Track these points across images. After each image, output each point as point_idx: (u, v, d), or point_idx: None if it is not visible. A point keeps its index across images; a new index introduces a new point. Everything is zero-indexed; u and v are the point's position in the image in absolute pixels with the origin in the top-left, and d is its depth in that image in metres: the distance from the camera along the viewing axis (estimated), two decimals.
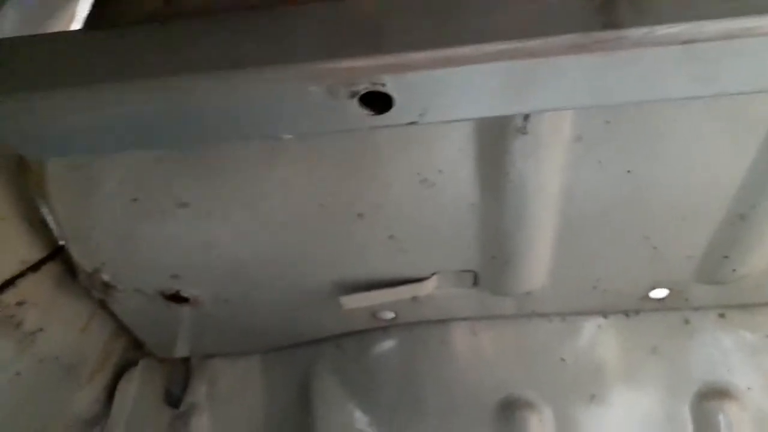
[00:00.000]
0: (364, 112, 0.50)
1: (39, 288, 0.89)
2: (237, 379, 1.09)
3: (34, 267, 0.87)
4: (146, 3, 0.55)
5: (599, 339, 0.97)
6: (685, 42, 0.44)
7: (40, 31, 0.70)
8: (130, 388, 1.09)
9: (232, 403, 1.07)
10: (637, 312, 0.97)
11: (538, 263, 0.84)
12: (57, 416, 0.99)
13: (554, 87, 0.48)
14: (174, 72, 0.49)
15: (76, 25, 0.76)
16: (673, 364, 0.95)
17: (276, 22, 0.50)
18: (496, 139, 0.64)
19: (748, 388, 0.93)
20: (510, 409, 0.94)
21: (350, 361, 1.03)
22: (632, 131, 0.65)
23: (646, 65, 0.46)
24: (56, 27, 0.73)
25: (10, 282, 0.84)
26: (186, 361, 1.12)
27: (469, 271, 0.88)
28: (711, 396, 0.93)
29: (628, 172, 0.69)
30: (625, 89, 0.48)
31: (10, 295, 0.84)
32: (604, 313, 0.97)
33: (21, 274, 0.85)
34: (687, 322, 0.96)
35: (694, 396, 0.94)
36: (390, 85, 0.47)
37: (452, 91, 0.48)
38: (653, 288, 0.91)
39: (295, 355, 1.07)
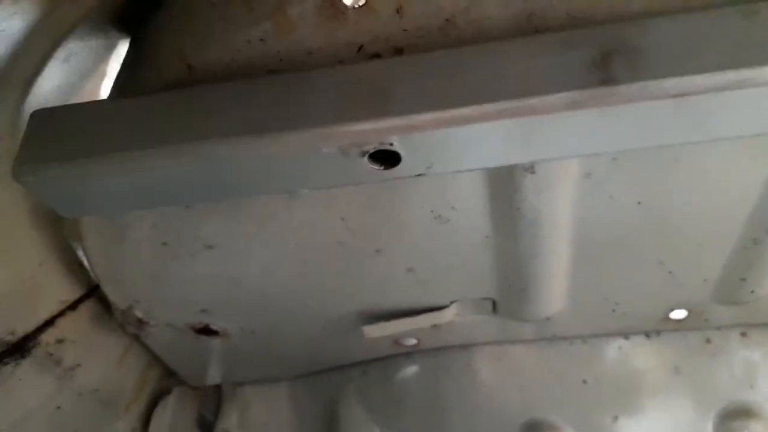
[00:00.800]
0: (375, 168, 0.53)
1: (77, 325, 0.93)
2: (267, 405, 1.12)
3: (72, 306, 0.92)
4: (169, 70, 0.59)
5: (621, 360, 0.98)
6: (676, 95, 0.46)
7: (76, 91, 0.75)
8: (165, 415, 1.13)
9: (263, 429, 1.10)
10: (658, 332, 0.97)
11: (554, 290, 0.85)
12: None
13: (554, 140, 0.50)
14: (197, 138, 0.52)
15: (107, 83, 0.81)
16: (696, 383, 0.95)
17: (290, 87, 0.53)
18: (506, 179, 0.67)
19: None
20: (534, 431, 0.96)
21: (375, 386, 1.05)
22: (640, 165, 0.67)
23: (641, 117, 0.48)
24: (89, 87, 0.78)
25: (50, 322, 0.89)
26: (218, 388, 1.16)
27: (487, 298, 0.90)
28: (735, 415, 0.94)
29: (639, 203, 0.71)
30: (622, 139, 0.50)
31: (50, 334, 0.88)
32: (625, 335, 0.98)
33: (60, 314, 0.90)
34: (709, 341, 0.96)
35: (718, 415, 0.94)
36: (397, 144, 0.50)
37: (456, 147, 0.51)
38: (672, 309, 0.91)
39: (322, 382, 1.10)
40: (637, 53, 0.48)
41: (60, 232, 0.87)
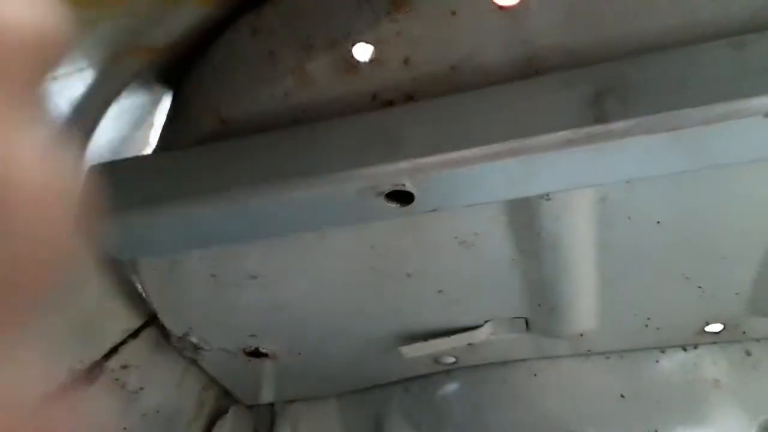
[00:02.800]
0: (391, 206, 0.58)
1: (139, 352, 1.01)
2: (317, 420, 1.18)
3: (134, 334, 1.00)
4: (205, 124, 0.66)
5: (658, 374, 0.98)
6: (670, 129, 0.49)
7: (126, 143, 0.83)
8: None
9: None
10: (695, 346, 0.98)
11: (584, 308, 0.87)
12: None
13: (556, 174, 0.54)
14: (231, 186, 0.59)
15: (154, 133, 0.89)
16: (736, 396, 0.95)
17: (312, 135, 0.59)
18: (524, 206, 0.70)
19: None
20: None
21: (417, 402, 1.09)
22: (654, 187, 0.69)
23: (637, 151, 0.51)
24: (138, 136, 0.86)
25: (114, 349, 0.97)
26: (271, 406, 1.22)
27: (520, 317, 0.93)
28: None
29: (658, 222, 0.73)
30: (621, 171, 0.53)
31: (115, 361, 0.97)
32: (661, 348, 0.98)
33: (123, 342, 0.98)
34: (749, 353, 0.96)
35: (761, 427, 0.93)
36: (409, 184, 0.55)
37: (465, 185, 0.55)
38: (707, 323, 0.92)
39: (367, 398, 1.15)
40: (631, 90, 0.51)
41: (121, 269, 0.95)
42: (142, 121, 0.82)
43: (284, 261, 0.83)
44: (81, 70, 0.67)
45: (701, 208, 0.71)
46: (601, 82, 0.52)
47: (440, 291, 0.87)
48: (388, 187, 0.55)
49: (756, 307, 0.87)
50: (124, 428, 1.01)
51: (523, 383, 1.03)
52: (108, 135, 0.75)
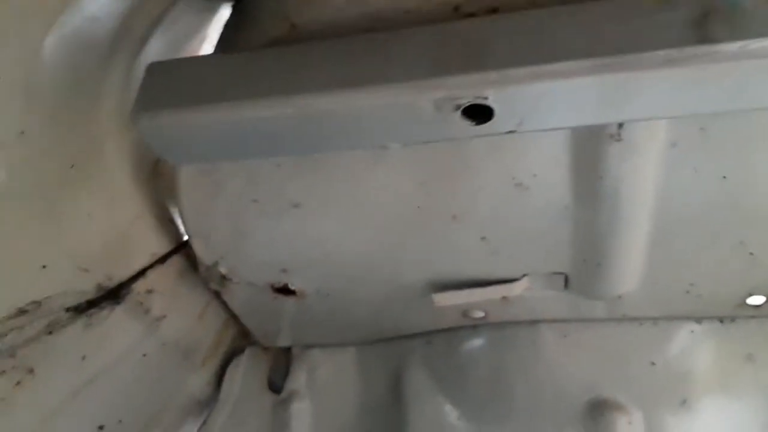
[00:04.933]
0: (466, 123, 0.55)
1: (165, 278, 1.00)
2: (334, 369, 1.16)
3: (162, 259, 0.98)
4: (273, 29, 0.63)
5: (692, 344, 0.96)
6: None
7: (179, 53, 0.80)
8: (238, 373, 1.19)
9: (330, 391, 1.14)
10: (732, 319, 0.96)
11: (630, 267, 0.85)
12: (176, 395, 1.10)
13: (648, 99, 0.51)
14: (299, 90, 0.56)
15: (206, 47, 0.86)
16: None
17: (388, 43, 0.56)
18: (591, 146, 0.67)
19: None
20: (599, 410, 0.96)
21: (440, 356, 1.08)
22: (727, 137, 0.66)
23: (740, 77, 0.48)
24: (190, 49, 0.83)
25: (142, 272, 0.95)
26: (288, 350, 1.21)
27: (559, 273, 0.91)
28: None
29: (724, 177, 0.70)
30: (718, 100, 0.51)
31: (141, 284, 0.95)
32: (698, 319, 0.96)
33: (151, 266, 0.97)
34: None
35: None
36: (492, 98, 0.52)
37: (549, 103, 0.52)
38: (750, 294, 0.90)
39: (388, 349, 1.13)
40: (737, 12, 0.48)
41: (156, 189, 0.93)
42: (197, 31, 0.79)
43: (330, 191, 0.81)
44: None
45: None
46: (706, 3, 0.49)
47: (483, 238, 0.85)
48: (468, 100, 0.52)
49: None
50: (144, 354, 0.99)
51: (553, 344, 1.01)
52: (163, 41, 0.72)
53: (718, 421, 0.94)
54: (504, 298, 0.95)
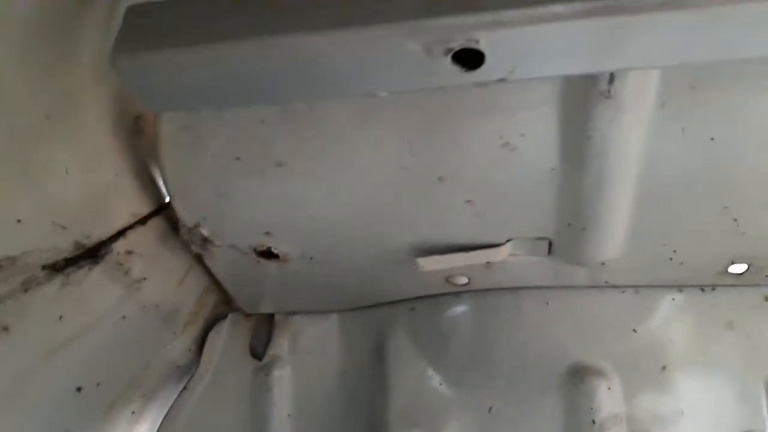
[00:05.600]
0: (456, 69, 0.54)
1: (145, 240, 0.98)
2: (317, 335, 1.16)
3: (143, 220, 0.96)
4: None
5: (673, 312, 0.97)
6: None
7: None
8: (219, 340, 1.18)
9: (312, 358, 1.14)
10: (713, 287, 0.97)
11: (614, 231, 0.85)
12: (155, 360, 1.09)
13: (642, 45, 0.50)
14: (285, 31, 0.54)
15: None
16: (750, 340, 0.94)
17: None
18: (580, 104, 0.67)
19: None
20: (579, 375, 0.97)
21: (424, 323, 1.08)
22: (718, 97, 0.66)
23: (741, 22, 0.47)
24: None
25: (122, 233, 0.93)
26: (270, 317, 1.20)
27: (544, 238, 0.91)
28: None
29: (712, 140, 0.70)
30: (713, 47, 0.50)
31: (121, 245, 0.93)
32: (679, 287, 0.97)
33: (131, 226, 0.95)
34: (766, 299, 0.95)
35: None
36: (483, 41, 0.51)
37: (543, 48, 0.51)
38: (732, 263, 0.90)
39: (371, 316, 1.13)
40: None
41: (137, 147, 0.91)
42: None
43: (316, 149, 0.79)
44: None
45: (759, 130, 0.69)
46: None
47: (469, 201, 0.84)
48: (459, 43, 0.51)
49: None
50: (123, 316, 0.98)
51: (534, 310, 1.01)
52: None
53: (697, 387, 0.95)
54: (488, 263, 0.95)
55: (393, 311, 1.11)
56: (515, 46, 0.51)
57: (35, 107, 0.71)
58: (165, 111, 0.75)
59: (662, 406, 0.95)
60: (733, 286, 0.95)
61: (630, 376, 0.96)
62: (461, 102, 0.71)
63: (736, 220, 0.82)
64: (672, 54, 0.51)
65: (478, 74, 0.54)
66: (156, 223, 0.99)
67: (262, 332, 1.19)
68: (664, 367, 0.96)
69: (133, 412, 1.06)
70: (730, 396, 0.94)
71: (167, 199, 0.98)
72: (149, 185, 0.96)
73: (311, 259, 0.99)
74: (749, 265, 0.90)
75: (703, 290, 0.97)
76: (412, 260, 0.94)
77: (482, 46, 0.51)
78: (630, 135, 0.69)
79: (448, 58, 0.53)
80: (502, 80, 0.55)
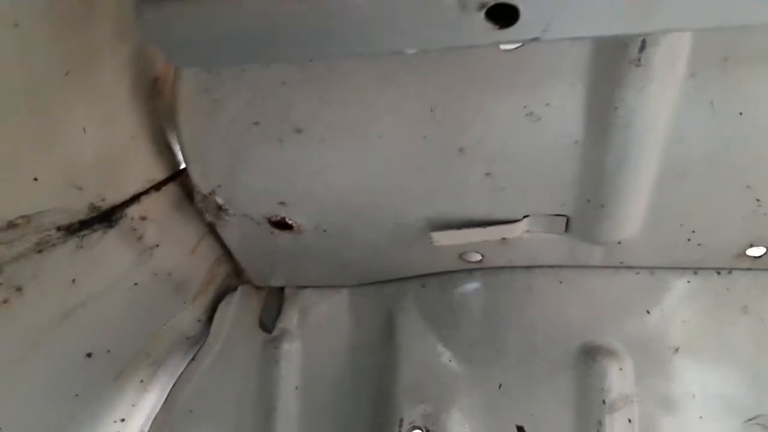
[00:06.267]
0: (489, 26, 0.53)
1: (159, 206, 0.97)
2: (327, 309, 1.15)
3: (157, 186, 0.96)
4: None
5: (688, 294, 0.97)
6: None
7: None
8: (229, 311, 1.18)
9: (321, 332, 1.13)
10: (729, 270, 0.96)
11: (634, 209, 0.84)
12: (165, 329, 1.09)
13: (676, 6, 0.49)
14: None
15: None
16: (764, 325, 0.93)
17: None
18: (609, 72, 0.66)
19: None
20: (591, 355, 0.96)
21: (435, 299, 1.07)
22: (750, 71, 0.65)
23: None
24: None
25: (136, 197, 0.93)
26: (280, 290, 1.19)
27: (561, 215, 0.90)
28: None
29: (740, 114, 0.69)
30: (752, 10, 0.49)
31: (135, 210, 0.93)
32: (695, 269, 0.96)
33: (145, 192, 0.94)
34: None
35: None
36: None
37: (578, 4, 0.50)
38: (751, 245, 0.89)
39: (382, 291, 1.12)
40: None
41: (154, 110, 0.90)
42: None
43: (334, 114, 0.78)
44: None
45: None
46: None
47: (488, 174, 0.83)
48: None
49: None
50: (135, 283, 0.97)
51: (547, 289, 1.01)
52: None
53: (709, 369, 0.94)
54: (503, 240, 0.94)
55: (404, 287, 1.10)
56: (550, 2, 0.50)
57: (55, 62, 0.70)
58: (187, 66, 0.74)
59: (673, 388, 0.95)
60: (749, 269, 0.94)
61: (642, 358, 0.96)
62: (487, 69, 0.70)
63: (758, 200, 0.81)
64: (708, 16, 0.50)
65: (511, 32, 0.53)
66: (171, 189, 0.99)
67: (272, 305, 1.18)
68: (676, 350, 0.95)
69: (141, 381, 1.06)
70: (741, 381, 0.94)
71: (182, 166, 0.98)
72: (165, 150, 0.95)
73: (325, 231, 0.98)
74: None
75: (719, 273, 0.96)
76: (426, 235, 0.93)
77: (517, 1, 0.50)
78: (657, 106, 0.68)
79: (482, 14, 0.52)
80: (535, 39, 0.54)
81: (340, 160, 0.84)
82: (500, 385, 0.99)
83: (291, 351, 1.13)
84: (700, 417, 0.94)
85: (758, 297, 0.95)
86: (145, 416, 1.09)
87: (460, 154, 0.81)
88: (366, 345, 1.11)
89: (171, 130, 0.94)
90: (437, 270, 1.07)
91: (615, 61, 0.64)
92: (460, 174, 0.84)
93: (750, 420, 0.93)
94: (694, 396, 0.95)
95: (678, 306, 0.97)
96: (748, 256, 0.92)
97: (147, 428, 1.08)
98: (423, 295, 1.08)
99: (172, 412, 1.09)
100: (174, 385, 1.12)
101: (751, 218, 0.84)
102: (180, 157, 0.96)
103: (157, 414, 1.09)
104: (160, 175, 0.96)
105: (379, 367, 1.08)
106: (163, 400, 1.11)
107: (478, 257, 1.01)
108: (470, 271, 1.05)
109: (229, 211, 0.96)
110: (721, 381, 0.94)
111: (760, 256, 0.91)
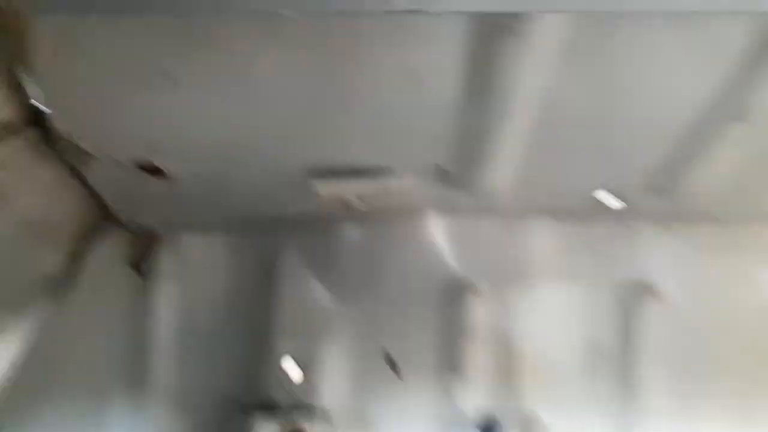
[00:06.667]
0: None
1: (16, 152, 0.89)
2: (203, 253, 1.15)
3: (14, 130, 0.87)
4: None
5: (547, 236, 1.08)
6: None
7: None
8: (98, 253, 1.13)
9: (198, 275, 1.13)
10: (585, 216, 1.07)
11: (505, 164, 0.90)
12: (30, 275, 1.03)
13: None
14: None
15: None
16: (605, 255, 1.08)
17: None
18: (489, 40, 0.68)
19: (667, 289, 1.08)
20: (456, 290, 1.07)
21: (315, 242, 1.11)
22: (623, 44, 0.69)
23: None
24: None
25: None
26: (153, 232, 1.16)
27: (440, 167, 0.94)
28: (634, 290, 1.08)
29: (609, 81, 0.74)
30: None
31: None
32: (554, 214, 1.06)
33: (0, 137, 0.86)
34: (629, 227, 1.07)
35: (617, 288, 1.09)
36: None
37: None
38: (600, 189, 1.00)
39: (261, 235, 1.13)
40: None
41: (5, 48, 0.80)
42: None
43: (211, 63, 0.74)
44: None
45: (656, 78, 0.74)
46: None
47: (371, 127, 0.85)
48: None
49: (652, 184, 0.96)
50: None
51: (422, 233, 1.08)
52: None
53: (559, 300, 1.08)
54: (384, 188, 0.97)
55: (284, 233, 1.12)
56: None
57: None
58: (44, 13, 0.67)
59: (528, 317, 1.08)
60: (602, 214, 1.05)
61: (501, 291, 1.07)
62: (372, 31, 0.70)
63: (610, 156, 0.89)
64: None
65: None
66: (30, 133, 0.90)
67: (145, 248, 1.14)
68: (533, 285, 1.07)
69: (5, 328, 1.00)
70: (585, 307, 1.09)
71: (41, 108, 0.89)
72: (21, 93, 0.86)
73: (199, 175, 0.95)
74: (618, 197, 1.00)
75: (577, 219, 1.07)
76: (308, 183, 0.94)
77: None
78: (534, 73, 0.72)
79: None
80: (418, 12, 0.54)
81: (217, 108, 0.81)
82: (374, 321, 1.06)
83: (166, 293, 1.12)
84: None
85: (605, 240, 1.08)
86: (8, 362, 1.03)
87: (343, 108, 0.81)
88: (245, 287, 1.13)
89: (24, 70, 0.84)
90: (320, 216, 1.09)
91: (496, 29, 0.66)
92: (344, 125, 0.85)
93: None
94: (546, 323, 1.08)
95: (538, 247, 1.09)
96: (601, 203, 1.02)
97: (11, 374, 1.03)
98: (305, 239, 1.11)
99: (37, 355, 1.05)
100: (40, 329, 1.07)
101: (606, 171, 0.93)
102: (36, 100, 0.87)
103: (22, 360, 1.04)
104: (15, 118, 0.87)
105: (257, 308, 1.11)
106: (28, 344, 1.06)
107: (360, 204, 1.04)
108: (352, 217, 1.08)
109: (95, 156, 0.90)
110: (568, 307, 1.09)
111: (611, 204, 1.02)
